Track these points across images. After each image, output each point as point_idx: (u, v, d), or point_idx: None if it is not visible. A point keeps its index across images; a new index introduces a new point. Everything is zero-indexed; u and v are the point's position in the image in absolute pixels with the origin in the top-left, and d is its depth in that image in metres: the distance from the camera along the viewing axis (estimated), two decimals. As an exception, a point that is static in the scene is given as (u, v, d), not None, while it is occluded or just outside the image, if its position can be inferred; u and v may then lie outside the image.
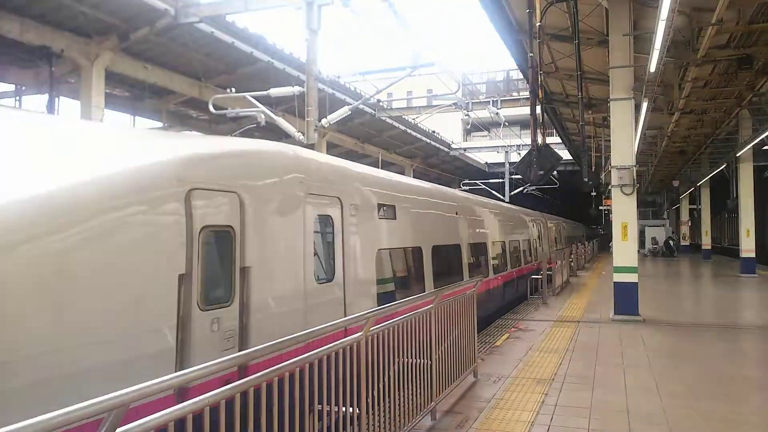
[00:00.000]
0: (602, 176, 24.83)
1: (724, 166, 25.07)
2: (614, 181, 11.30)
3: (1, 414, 2.65)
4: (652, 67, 10.34)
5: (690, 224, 39.88)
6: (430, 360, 5.22)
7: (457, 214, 10.89)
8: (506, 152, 28.99)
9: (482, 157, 33.19)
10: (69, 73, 11.57)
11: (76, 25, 10.54)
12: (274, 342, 3.15)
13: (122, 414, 2.09)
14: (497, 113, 22.95)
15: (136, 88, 13.47)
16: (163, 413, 2.33)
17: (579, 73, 11.38)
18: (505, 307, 13.59)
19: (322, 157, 6.64)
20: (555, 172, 23.43)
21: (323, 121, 11.43)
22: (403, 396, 4.63)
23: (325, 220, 5.78)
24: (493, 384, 6.57)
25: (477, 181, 31.01)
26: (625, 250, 11.29)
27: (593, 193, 33.59)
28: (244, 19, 11.88)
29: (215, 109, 12.34)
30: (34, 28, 10.10)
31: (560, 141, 25.35)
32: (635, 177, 11.24)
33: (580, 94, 11.87)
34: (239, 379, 2.96)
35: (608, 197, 31.10)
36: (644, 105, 13.61)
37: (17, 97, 12.67)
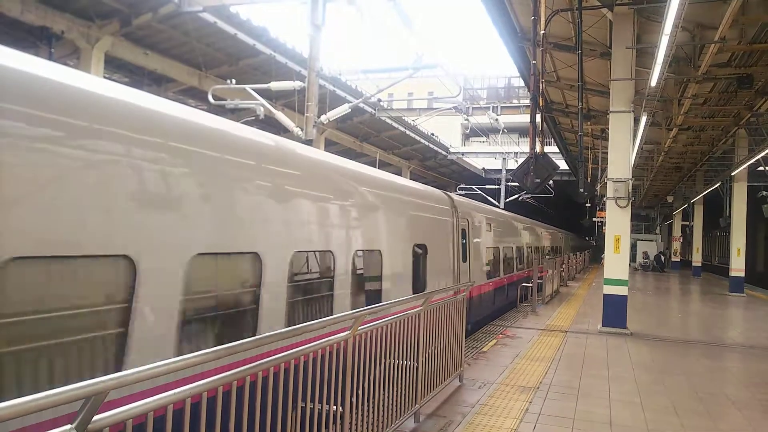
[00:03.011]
0: (597, 188, 24.91)
1: (718, 184, 25.20)
2: (610, 193, 11.32)
3: None
4: (653, 82, 10.37)
5: (682, 240, 40.09)
6: (417, 362, 5.21)
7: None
8: (504, 159, 29.06)
9: (479, 163, 33.24)
10: (68, 55, 11.48)
11: (78, 7, 10.48)
12: (258, 337, 3.11)
13: (100, 402, 2.05)
14: (496, 119, 22.99)
15: (136, 75, 13.39)
16: (140, 403, 2.28)
17: (580, 83, 11.40)
18: None
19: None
20: (551, 182, 23.47)
21: (323, 117, 11.39)
22: (388, 397, 4.61)
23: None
24: (478, 389, 6.57)
25: (473, 187, 31.05)
26: (616, 262, 11.31)
27: (588, 204, 33.72)
28: (247, 10, 11.82)
29: (214, 99, 12.27)
30: (35, 9, 10.02)
31: (558, 150, 25.40)
32: (630, 190, 11.27)
33: (580, 104, 11.89)
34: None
35: (602, 209, 31.24)
36: (643, 119, 13.64)
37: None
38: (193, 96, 15.27)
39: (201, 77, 13.78)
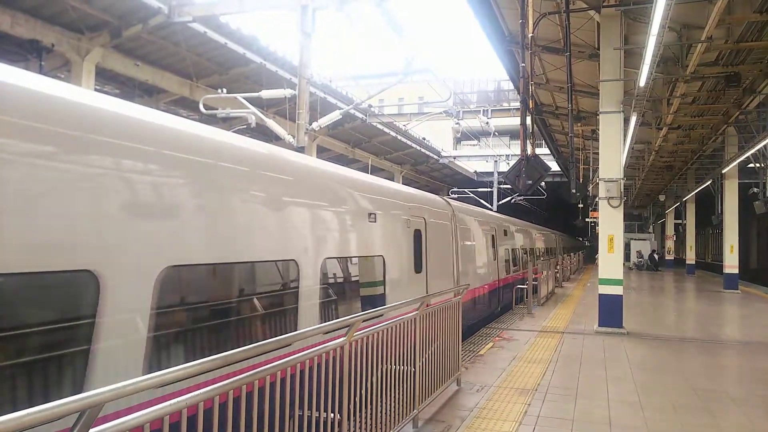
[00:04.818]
0: (590, 188, 25.03)
1: (709, 182, 25.38)
2: (602, 193, 11.37)
3: None
4: (642, 82, 10.45)
5: (675, 239, 40.30)
6: (414, 367, 5.20)
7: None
8: (495, 161, 29.18)
9: (471, 166, 33.36)
10: (59, 68, 11.47)
11: (67, 20, 10.47)
12: (256, 345, 3.09)
13: (95, 414, 2.03)
14: (487, 122, 23.10)
15: (127, 86, 13.38)
16: (138, 414, 2.26)
17: (569, 85, 11.48)
18: None
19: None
20: (543, 183, 23.63)
21: (314, 124, 11.41)
22: (386, 403, 4.60)
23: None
24: (476, 393, 6.56)
25: (465, 190, 31.14)
26: (610, 262, 11.34)
27: (580, 205, 33.88)
28: (237, 20, 11.85)
29: (206, 109, 12.28)
30: (24, 22, 10.01)
31: (549, 152, 25.52)
32: (622, 190, 11.33)
33: (569, 106, 11.97)
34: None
35: (595, 209, 31.37)
36: (633, 119, 13.74)
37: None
38: (185, 106, 15.26)
39: (192, 87, 13.78)
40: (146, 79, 12.78)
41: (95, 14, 10.50)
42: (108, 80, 13.05)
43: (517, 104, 18.32)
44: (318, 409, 3.69)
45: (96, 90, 11.56)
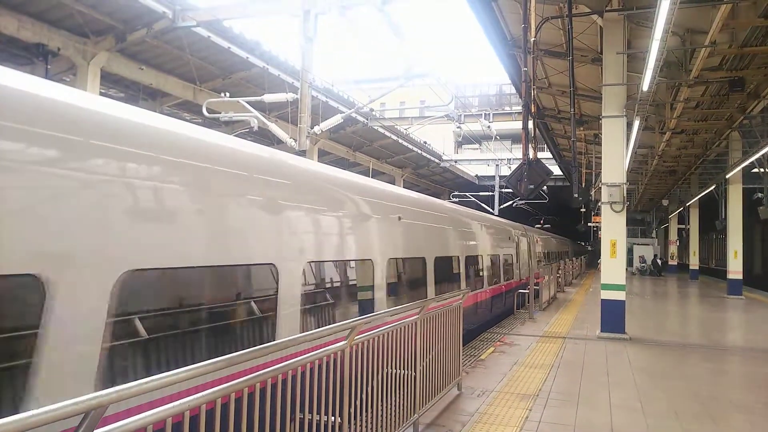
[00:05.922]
0: (592, 193, 24.98)
1: (713, 187, 25.30)
2: (604, 197, 11.35)
3: None
4: (645, 86, 10.44)
5: (678, 244, 40.13)
6: (415, 371, 5.19)
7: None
8: (497, 165, 29.17)
9: (473, 170, 33.36)
10: (64, 71, 11.54)
11: (73, 24, 10.54)
12: (256, 348, 3.10)
13: (100, 416, 2.04)
14: (489, 126, 23.09)
15: (131, 89, 13.46)
16: (140, 417, 2.27)
17: (572, 89, 11.47)
18: None
19: None
20: (545, 187, 23.57)
21: (316, 128, 11.44)
22: (386, 407, 4.59)
23: None
24: (477, 398, 6.54)
25: (467, 194, 31.13)
26: (613, 267, 11.31)
27: (582, 210, 33.80)
28: (240, 24, 11.92)
29: (209, 112, 12.34)
30: (31, 26, 10.09)
31: (551, 156, 25.51)
32: (625, 194, 11.31)
33: (572, 110, 11.95)
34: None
35: (597, 214, 31.30)
36: (636, 123, 13.72)
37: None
38: (188, 109, 15.33)
39: (195, 91, 13.84)
40: (150, 83, 12.85)
41: (100, 19, 10.57)
42: (113, 84, 13.13)
43: (519, 108, 18.35)
44: (319, 413, 3.69)
45: (101, 93, 11.62)
